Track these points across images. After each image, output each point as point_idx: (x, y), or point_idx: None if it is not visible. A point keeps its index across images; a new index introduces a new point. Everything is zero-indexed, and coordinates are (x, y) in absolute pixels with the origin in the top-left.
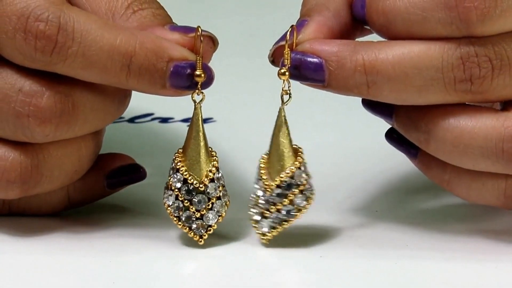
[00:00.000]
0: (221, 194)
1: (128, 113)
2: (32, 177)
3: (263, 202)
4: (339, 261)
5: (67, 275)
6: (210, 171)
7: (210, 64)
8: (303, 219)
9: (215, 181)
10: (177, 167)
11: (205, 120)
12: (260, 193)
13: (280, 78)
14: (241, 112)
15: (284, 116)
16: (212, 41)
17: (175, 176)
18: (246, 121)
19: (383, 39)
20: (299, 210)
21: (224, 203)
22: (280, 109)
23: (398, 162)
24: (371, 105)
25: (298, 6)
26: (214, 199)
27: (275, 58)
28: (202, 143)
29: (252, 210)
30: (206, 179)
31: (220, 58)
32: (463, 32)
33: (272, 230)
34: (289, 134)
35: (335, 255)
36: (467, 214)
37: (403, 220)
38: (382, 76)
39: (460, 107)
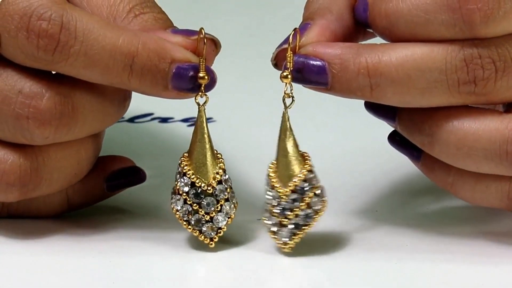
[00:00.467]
0: (229, 196)
1: (128, 113)
2: (32, 180)
3: (279, 210)
4: (349, 264)
5: (67, 277)
6: (217, 173)
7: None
8: None
9: (223, 183)
10: (184, 171)
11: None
12: (274, 202)
13: (283, 81)
14: (241, 112)
15: (289, 120)
16: (215, 44)
17: (182, 180)
18: (246, 121)
19: (386, 42)
20: (317, 213)
21: (232, 205)
22: (283, 113)
23: (400, 164)
24: (374, 108)
25: (298, 6)
26: (223, 201)
27: (278, 61)
28: (207, 146)
29: (268, 221)
30: (214, 182)
31: (220, 57)
32: (466, 34)
33: (293, 237)
34: (294, 139)
35: (342, 258)
36: (469, 216)
37: (405, 222)
38: (385, 78)
39: (463, 109)
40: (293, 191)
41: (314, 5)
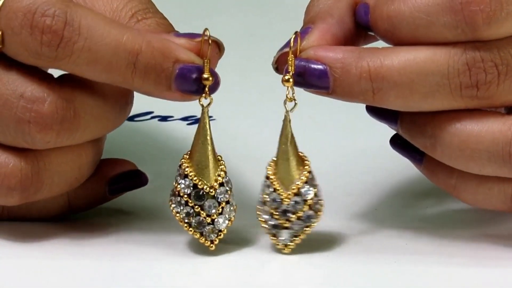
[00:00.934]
0: (230, 198)
1: None
2: (33, 184)
3: (280, 213)
4: (349, 266)
5: (67, 280)
6: (219, 175)
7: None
8: None
9: (224, 185)
10: (185, 172)
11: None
12: (275, 204)
13: (284, 85)
14: (240, 111)
15: (290, 123)
16: (218, 47)
17: (183, 182)
18: (246, 119)
19: (388, 46)
20: (317, 213)
21: (232, 208)
22: (285, 116)
23: (401, 166)
24: (375, 111)
25: (298, 6)
26: (224, 203)
27: (279, 65)
28: (210, 148)
29: (267, 224)
30: (216, 184)
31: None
32: (468, 36)
33: (294, 238)
34: (295, 142)
35: (342, 259)
36: (470, 219)
37: (405, 224)
38: (387, 82)
39: (466, 111)
40: (296, 194)
41: (315, 9)
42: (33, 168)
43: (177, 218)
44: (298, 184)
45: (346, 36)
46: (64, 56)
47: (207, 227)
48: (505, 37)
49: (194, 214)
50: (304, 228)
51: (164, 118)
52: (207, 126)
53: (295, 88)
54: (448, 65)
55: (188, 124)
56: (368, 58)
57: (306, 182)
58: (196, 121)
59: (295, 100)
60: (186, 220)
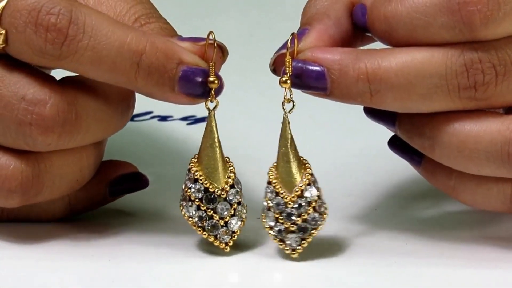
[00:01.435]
0: (241, 199)
1: None
2: (33, 187)
3: (285, 216)
4: (350, 267)
5: (67, 281)
6: (229, 177)
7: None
8: None
9: (235, 186)
10: (196, 177)
11: (205, 118)
12: (279, 209)
13: (282, 87)
14: (240, 110)
15: (289, 125)
16: (222, 52)
17: (194, 186)
18: (246, 119)
19: (385, 47)
20: (322, 215)
21: (244, 208)
22: (284, 118)
23: (400, 167)
24: (373, 113)
25: (298, 6)
26: (236, 204)
27: (276, 66)
28: (218, 150)
29: (272, 231)
30: (226, 186)
31: None
32: (466, 36)
33: (302, 242)
34: (295, 144)
35: (342, 260)
36: (469, 220)
37: (404, 225)
38: (385, 84)
39: (464, 111)
40: (299, 196)
41: (312, 10)
42: (34, 170)
43: (190, 222)
44: (301, 186)
45: (343, 37)
46: (68, 55)
47: (221, 230)
48: (502, 38)
49: (207, 218)
50: (311, 231)
51: (163, 118)
52: (215, 129)
53: (293, 89)
54: (445, 66)
55: (188, 124)
56: (365, 60)
57: (309, 184)
58: (196, 121)
59: (293, 101)
60: (199, 224)
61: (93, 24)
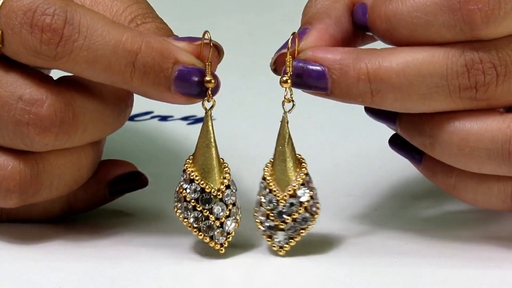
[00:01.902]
0: (235, 200)
1: None
2: (32, 186)
3: (276, 214)
4: (350, 267)
5: (67, 282)
6: (225, 177)
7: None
8: None
9: (230, 187)
10: (191, 177)
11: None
12: (271, 206)
13: (283, 86)
14: (240, 110)
15: (288, 125)
16: (218, 51)
17: (189, 187)
18: (245, 119)
19: (387, 46)
20: (313, 216)
21: (238, 209)
22: (283, 117)
23: (401, 167)
24: (374, 111)
25: (298, 6)
26: (231, 205)
27: (277, 66)
28: (214, 151)
29: (262, 225)
30: (222, 187)
31: None
32: (467, 35)
33: (290, 241)
34: (293, 143)
35: (343, 260)
36: (471, 219)
37: (405, 225)
38: (386, 84)
39: (465, 110)
40: (291, 196)
41: (312, 10)
42: (32, 170)
43: (185, 223)
44: (294, 186)
45: (344, 36)
46: (64, 55)
47: (217, 231)
48: (503, 37)
49: (203, 218)
50: (300, 231)
51: (164, 118)
52: (211, 129)
53: (293, 89)
54: (446, 66)
55: (188, 124)
56: (366, 60)
57: (302, 184)
58: (196, 121)
59: (293, 101)
60: (195, 225)
61: (88, 24)
